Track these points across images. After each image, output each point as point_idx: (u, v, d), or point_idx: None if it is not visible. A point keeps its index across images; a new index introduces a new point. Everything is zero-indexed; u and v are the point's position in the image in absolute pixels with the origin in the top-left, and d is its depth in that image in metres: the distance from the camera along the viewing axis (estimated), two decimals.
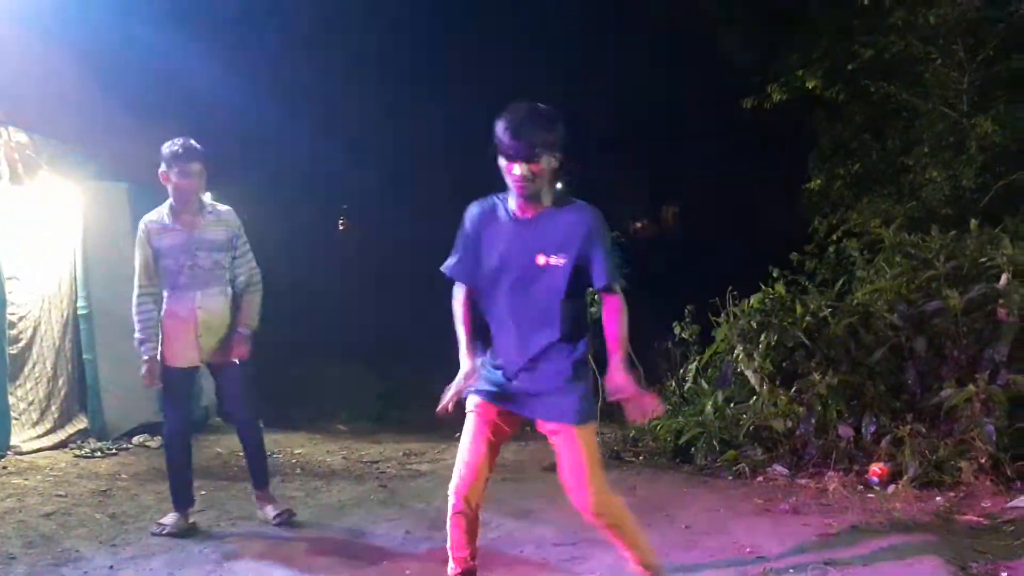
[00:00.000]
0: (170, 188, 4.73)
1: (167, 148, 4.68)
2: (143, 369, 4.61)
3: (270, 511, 4.81)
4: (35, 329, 7.01)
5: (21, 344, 6.89)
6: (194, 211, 4.73)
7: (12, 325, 6.76)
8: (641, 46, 16.08)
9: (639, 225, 21.55)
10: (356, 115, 13.91)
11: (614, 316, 3.23)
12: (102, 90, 7.64)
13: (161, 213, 4.75)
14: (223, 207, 4.92)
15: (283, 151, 13.12)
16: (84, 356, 7.35)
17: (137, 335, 4.64)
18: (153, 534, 4.55)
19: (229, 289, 4.81)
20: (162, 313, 4.68)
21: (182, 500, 4.70)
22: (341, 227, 18.69)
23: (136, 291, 4.68)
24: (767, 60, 10.11)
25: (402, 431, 9.05)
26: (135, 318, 4.65)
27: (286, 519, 4.76)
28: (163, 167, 4.69)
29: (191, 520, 4.71)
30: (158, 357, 4.62)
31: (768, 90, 9.63)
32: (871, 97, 9.27)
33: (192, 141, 4.74)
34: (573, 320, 3.25)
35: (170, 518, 4.64)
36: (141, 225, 4.75)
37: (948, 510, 4.63)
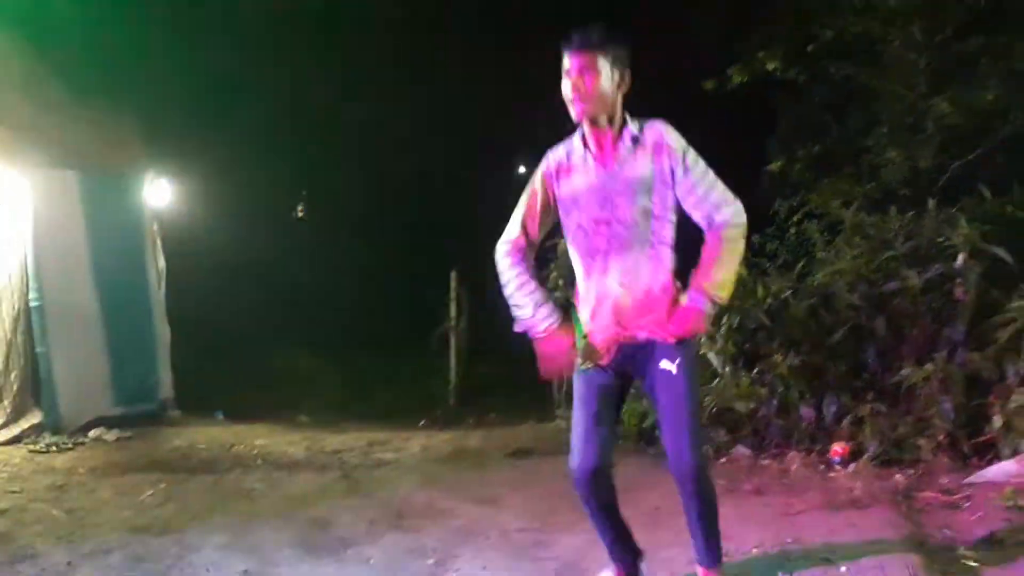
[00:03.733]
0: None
1: None
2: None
3: None
4: None
5: None
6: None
7: None
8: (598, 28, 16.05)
9: None
10: (319, 99, 13.78)
11: None
12: (51, 76, 7.48)
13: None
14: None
15: (242, 137, 12.96)
16: (37, 349, 7.20)
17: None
18: None
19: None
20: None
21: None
22: (300, 215, 18.43)
23: None
24: (727, 42, 10.13)
25: (365, 421, 9.00)
26: None
27: None
28: None
29: None
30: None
31: (728, 72, 9.65)
32: (831, 78, 9.33)
33: None
34: None
35: None
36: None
37: (907, 487, 4.68)
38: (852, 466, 5.06)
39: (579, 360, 3.13)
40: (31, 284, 7.18)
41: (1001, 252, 5.77)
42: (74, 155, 7.66)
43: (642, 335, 3.07)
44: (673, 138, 3.11)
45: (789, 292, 6.35)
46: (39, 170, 7.29)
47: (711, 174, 3.09)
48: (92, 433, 7.24)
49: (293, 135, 13.62)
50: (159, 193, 8.83)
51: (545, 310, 3.17)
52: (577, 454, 3.16)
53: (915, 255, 6.04)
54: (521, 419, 8.85)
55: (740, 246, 3.08)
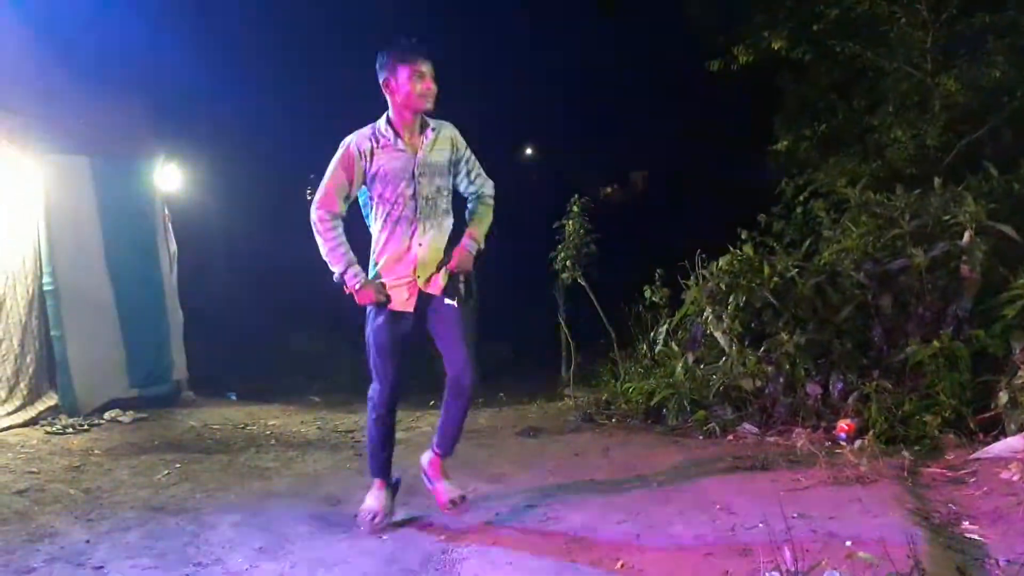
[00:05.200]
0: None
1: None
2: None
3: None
4: (0, 306, 6.93)
5: None
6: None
7: None
8: (607, 10, 16.00)
9: (608, 190, 21.58)
10: (321, 85, 13.76)
11: None
12: (62, 63, 7.52)
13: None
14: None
15: (249, 122, 12.96)
16: (52, 332, 7.29)
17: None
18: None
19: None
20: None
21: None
22: (309, 196, 18.43)
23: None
24: (733, 21, 10.10)
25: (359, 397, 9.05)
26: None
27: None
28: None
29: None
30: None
31: (734, 52, 9.63)
32: (837, 57, 9.31)
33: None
34: None
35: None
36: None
37: (913, 463, 4.70)
38: (858, 443, 5.08)
39: (382, 297, 3.93)
40: (45, 268, 7.26)
41: (1007, 229, 5.79)
42: (86, 141, 7.73)
43: (432, 286, 3.97)
44: (457, 136, 4.06)
45: (795, 271, 6.38)
46: (51, 156, 7.35)
47: (478, 163, 4.13)
48: (107, 415, 7.34)
49: (303, 117, 13.64)
50: (170, 178, 8.88)
51: (355, 268, 3.90)
52: (387, 383, 4.04)
53: (921, 233, 6.06)
54: (529, 399, 8.92)
55: (491, 210, 4.16)
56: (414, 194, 3.90)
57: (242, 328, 12.17)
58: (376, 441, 4.15)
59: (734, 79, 10.02)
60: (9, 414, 6.78)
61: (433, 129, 3.95)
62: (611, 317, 9.01)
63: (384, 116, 3.93)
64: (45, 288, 7.27)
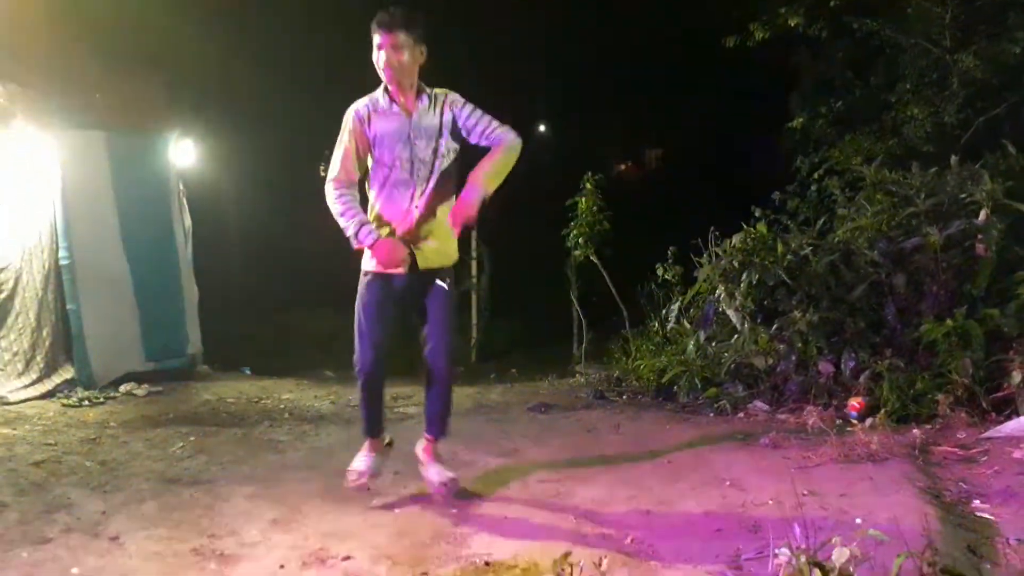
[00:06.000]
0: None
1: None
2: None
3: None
4: (16, 280, 7.00)
5: (3, 295, 6.89)
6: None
7: None
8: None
9: (623, 167, 21.50)
10: (336, 60, 13.73)
11: None
12: (76, 38, 7.53)
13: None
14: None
15: (265, 97, 12.96)
16: (68, 306, 7.34)
17: None
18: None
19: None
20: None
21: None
22: (322, 172, 18.48)
23: None
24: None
25: (389, 376, 9.09)
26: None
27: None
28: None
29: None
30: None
31: (750, 28, 9.56)
32: (854, 34, 9.22)
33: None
34: None
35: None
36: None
37: (924, 442, 4.70)
38: (869, 421, 5.09)
39: (403, 252, 3.91)
40: (61, 243, 7.31)
41: None
42: (101, 116, 7.75)
43: (428, 255, 3.99)
44: (452, 94, 4.01)
45: (809, 249, 6.37)
46: (67, 131, 7.38)
47: (488, 117, 3.98)
48: (123, 388, 7.40)
49: (318, 92, 13.63)
50: (185, 153, 8.90)
51: (368, 227, 3.89)
52: (369, 343, 4.04)
53: (937, 211, 6.03)
54: (541, 375, 8.94)
55: (514, 156, 3.92)
56: (410, 156, 3.91)
57: (256, 303, 12.24)
58: (362, 402, 4.24)
59: (750, 55, 9.95)
60: (26, 387, 6.86)
61: (428, 95, 3.96)
62: (623, 295, 9.02)
63: (383, 83, 3.96)
64: (61, 262, 7.32)
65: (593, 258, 8.95)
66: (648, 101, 17.56)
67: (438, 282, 4.04)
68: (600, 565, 2.74)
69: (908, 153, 8.24)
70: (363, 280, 4.07)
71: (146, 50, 8.44)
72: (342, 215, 3.92)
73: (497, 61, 14.86)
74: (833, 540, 2.50)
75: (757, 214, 7.08)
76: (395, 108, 3.92)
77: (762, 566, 2.93)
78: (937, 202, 6.04)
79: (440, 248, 4.03)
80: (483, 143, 3.98)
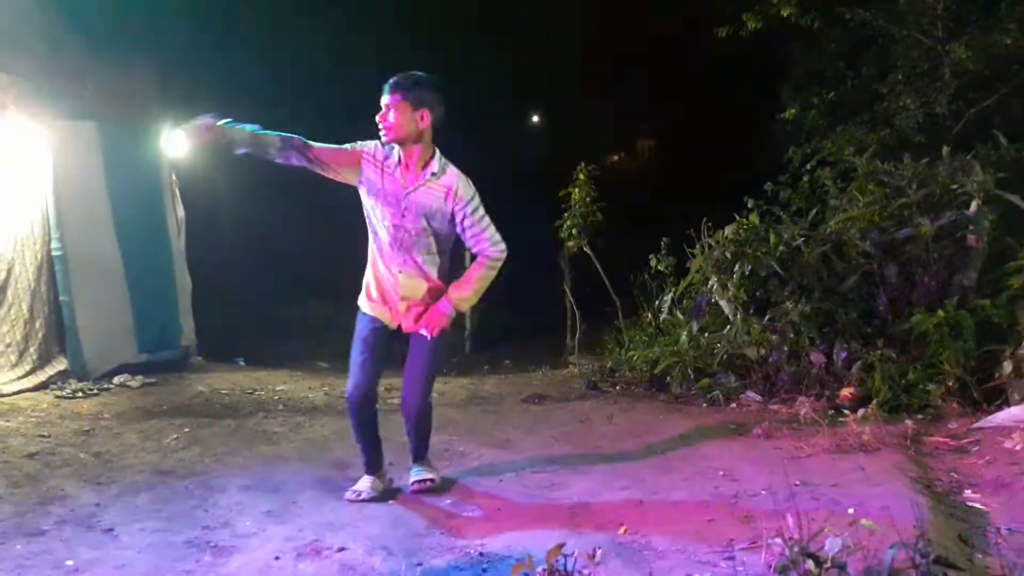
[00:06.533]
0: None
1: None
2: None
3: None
4: (9, 271, 6.98)
5: None
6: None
7: None
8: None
9: (615, 158, 21.48)
10: (330, 50, 13.69)
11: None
12: (68, 28, 7.49)
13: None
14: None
15: (256, 88, 12.91)
16: (61, 298, 7.32)
17: None
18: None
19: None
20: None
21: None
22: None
23: None
24: None
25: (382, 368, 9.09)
26: None
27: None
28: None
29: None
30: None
31: (743, 18, 9.55)
32: (846, 24, 9.22)
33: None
34: None
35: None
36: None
37: (916, 432, 4.72)
38: (861, 411, 5.11)
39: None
40: (53, 234, 7.28)
41: (1016, 199, 5.78)
42: (93, 106, 7.72)
43: (409, 320, 4.01)
44: (463, 187, 3.91)
45: (801, 240, 6.38)
46: (58, 121, 7.34)
47: (486, 219, 3.95)
48: (117, 379, 7.39)
49: (308, 86, 13.58)
50: (177, 144, 8.84)
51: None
52: (353, 377, 4.05)
53: (928, 202, 6.05)
54: (535, 366, 8.96)
55: (493, 274, 3.99)
56: (399, 224, 3.90)
57: (250, 294, 12.21)
58: (354, 433, 4.17)
59: (743, 46, 9.94)
60: (19, 378, 6.84)
61: (434, 173, 3.89)
62: (616, 286, 9.03)
63: None
64: (54, 253, 7.30)
65: (586, 249, 8.96)
66: (642, 92, 17.54)
67: (421, 330, 3.98)
68: (594, 556, 2.75)
69: (900, 144, 8.25)
70: (359, 315, 4.12)
71: (138, 39, 8.39)
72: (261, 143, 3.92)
73: (488, 50, 14.82)
74: (826, 530, 2.51)
75: (750, 205, 7.10)
76: (398, 171, 3.89)
77: (755, 556, 2.95)
78: (929, 193, 6.06)
79: (424, 314, 3.99)
80: (468, 245, 4.00)
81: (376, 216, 3.95)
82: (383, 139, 3.86)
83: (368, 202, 3.97)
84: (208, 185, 9.96)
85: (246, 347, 9.75)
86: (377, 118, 3.84)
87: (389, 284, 4.00)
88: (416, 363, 4.05)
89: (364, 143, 3.96)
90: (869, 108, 9.27)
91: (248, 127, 3.88)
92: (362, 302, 4.10)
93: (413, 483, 4.13)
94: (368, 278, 4.09)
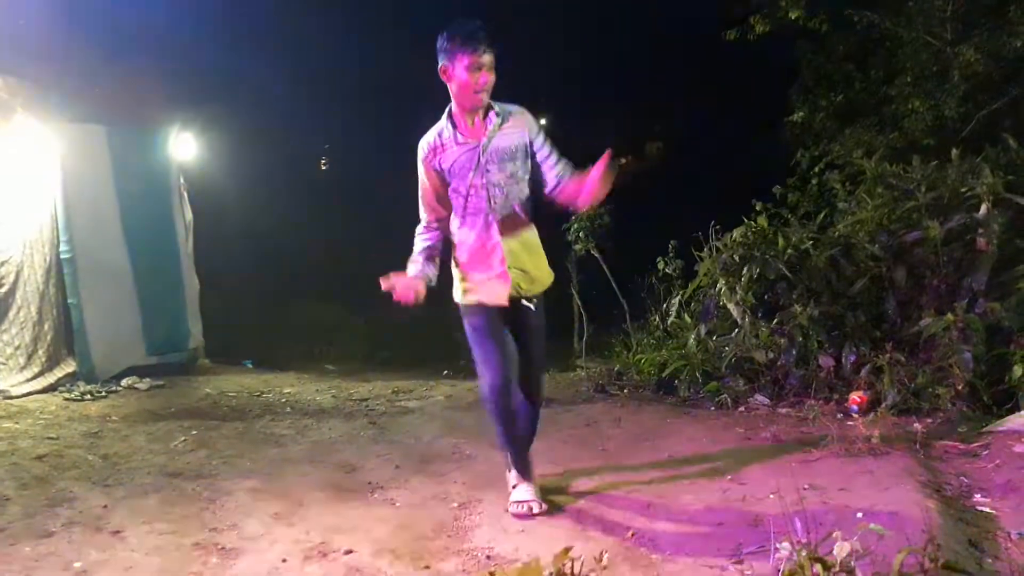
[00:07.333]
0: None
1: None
2: None
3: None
4: (18, 274, 7.00)
5: (4, 289, 6.89)
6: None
7: None
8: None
9: (623, 160, 21.46)
10: (334, 55, 13.73)
11: None
12: (76, 32, 7.52)
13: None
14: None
15: (263, 92, 12.95)
16: (69, 300, 7.35)
17: None
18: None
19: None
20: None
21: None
22: (323, 167, 18.54)
23: None
24: None
25: (390, 370, 9.12)
26: None
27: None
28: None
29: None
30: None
31: (751, 21, 9.54)
32: (854, 27, 9.21)
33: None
34: None
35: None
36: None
37: (925, 436, 4.70)
38: (870, 415, 5.10)
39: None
40: (62, 236, 7.32)
41: None
42: (101, 109, 7.75)
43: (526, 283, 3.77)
44: (529, 117, 3.76)
45: (810, 243, 6.36)
46: (67, 124, 7.39)
47: (555, 149, 3.77)
48: (125, 382, 7.42)
49: (318, 86, 13.62)
50: (185, 147, 8.90)
51: (414, 265, 3.75)
52: (490, 368, 3.72)
53: (937, 205, 6.02)
54: None
55: None
56: (485, 183, 3.64)
57: (258, 297, 12.24)
58: (501, 434, 3.91)
59: (751, 49, 9.93)
60: (28, 380, 6.87)
61: (497, 113, 3.65)
62: (624, 288, 9.02)
63: (447, 108, 3.69)
64: (62, 256, 7.33)
65: (594, 252, 8.95)
66: (649, 94, 17.54)
67: (524, 302, 3.76)
68: (601, 560, 2.75)
69: (909, 146, 8.24)
70: (463, 311, 3.82)
71: (147, 43, 8.43)
72: (412, 260, 3.76)
73: (495, 52, 14.84)
74: (834, 534, 2.50)
75: (758, 208, 7.08)
76: (460, 137, 3.65)
77: (763, 560, 2.94)
78: (938, 195, 6.03)
79: (529, 276, 3.79)
80: (550, 178, 3.74)
81: (460, 190, 3.67)
82: (482, 100, 3.59)
83: (452, 186, 3.70)
84: (216, 188, 10.00)
85: (254, 350, 9.78)
86: (480, 80, 3.53)
87: (494, 254, 3.70)
88: (527, 348, 3.85)
89: (418, 160, 3.74)
90: (877, 111, 9.26)
91: (417, 254, 3.80)
92: (461, 296, 3.79)
93: (514, 504, 3.85)
94: (461, 270, 3.79)
